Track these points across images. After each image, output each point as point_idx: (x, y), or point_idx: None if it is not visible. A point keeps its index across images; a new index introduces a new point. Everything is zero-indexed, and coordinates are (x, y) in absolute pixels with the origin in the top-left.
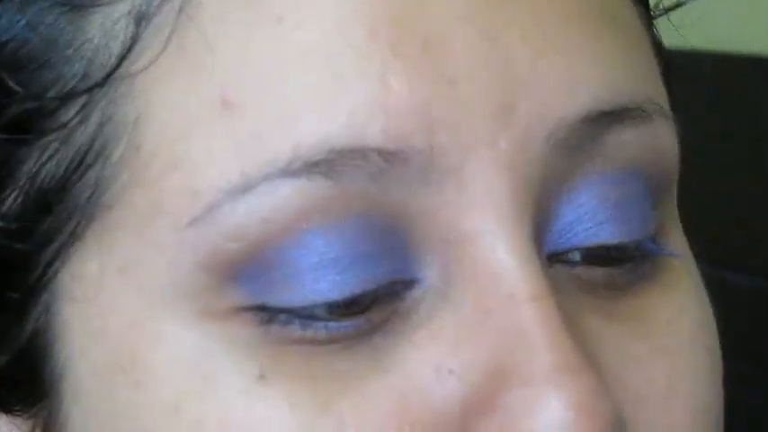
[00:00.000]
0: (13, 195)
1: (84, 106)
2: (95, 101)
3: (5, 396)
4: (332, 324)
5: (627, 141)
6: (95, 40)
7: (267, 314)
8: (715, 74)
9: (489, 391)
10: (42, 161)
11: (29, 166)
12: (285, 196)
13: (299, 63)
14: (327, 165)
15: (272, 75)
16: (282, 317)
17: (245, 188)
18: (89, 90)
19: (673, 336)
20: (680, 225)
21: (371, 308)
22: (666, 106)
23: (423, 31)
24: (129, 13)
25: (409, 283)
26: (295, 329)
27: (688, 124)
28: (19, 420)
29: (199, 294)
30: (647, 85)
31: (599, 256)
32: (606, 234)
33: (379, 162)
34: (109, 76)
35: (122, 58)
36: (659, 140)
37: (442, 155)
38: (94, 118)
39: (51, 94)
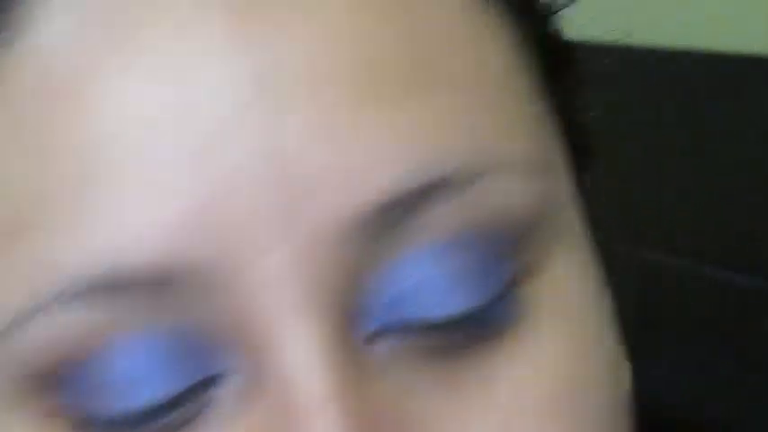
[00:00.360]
0: None
1: None
2: None
3: None
4: (143, 428)
5: (442, 213)
6: None
7: (80, 422)
8: (715, 74)
9: None
10: None
11: None
12: (73, 316)
13: (61, 194)
14: (93, 293)
15: (44, 197)
16: (95, 425)
17: (36, 309)
18: None
19: (516, 401)
20: (576, 246)
21: (182, 405)
22: (513, 151)
23: (179, 144)
24: None
25: (216, 380)
26: None
27: (688, 124)
28: None
29: (22, 397)
30: (472, 142)
31: (435, 325)
32: (432, 311)
33: (148, 287)
34: None
35: None
36: (489, 199)
37: (219, 268)
38: None
39: None
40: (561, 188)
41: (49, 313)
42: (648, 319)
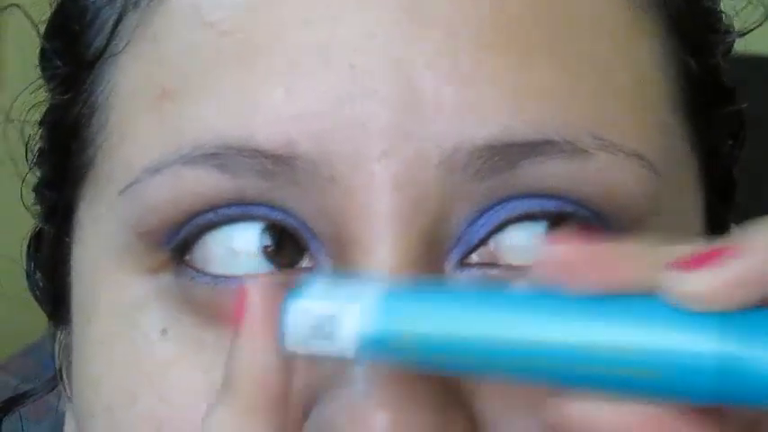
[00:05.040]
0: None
1: (87, 76)
2: (92, 73)
3: (57, 314)
4: (232, 289)
5: (552, 174)
6: (103, 18)
7: (181, 276)
8: None
9: (328, 380)
10: (69, 111)
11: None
12: (186, 183)
13: (214, 64)
14: (222, 159)
15: (194, 72)
16: (194, 278)
17: (157, 169)
18: (97, 60)
19: None
20: None
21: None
22: (631, 142)
23: (327, 45)
24: (119, 3)
25: (310, 269)
26: (202, 292)
27: None
28: (60, 335)
29: (132, 254)
30: (595, 118)
31: (516, 272)
32: (523, 255)
33: (267, 163)
34: (104, 51)
35: (110, 40)
36: (602, 176)
37: (331, 164)
38: (89, 88)
39: (88, 56)
40: (682, 193)
41: (165, 175)
42: None
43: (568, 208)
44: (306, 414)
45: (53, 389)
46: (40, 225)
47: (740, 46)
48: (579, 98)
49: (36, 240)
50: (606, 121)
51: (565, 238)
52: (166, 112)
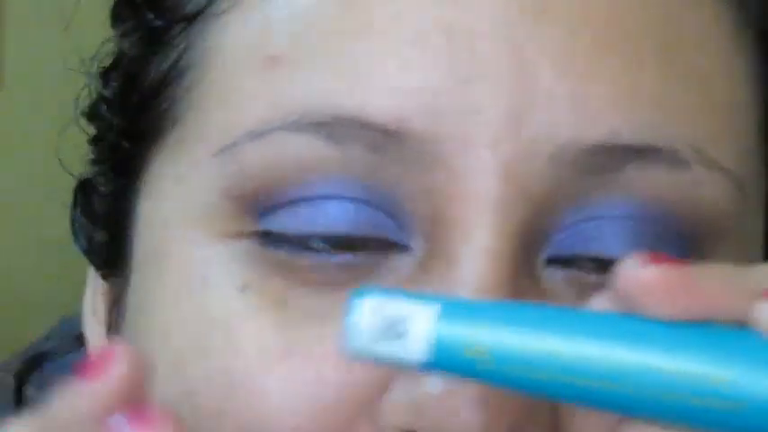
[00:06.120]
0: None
1: (180, 31)
2: (187, 29)
3: (108, 263)
4: (320, 255)
5: (651, 180)
6: None
7: (267, 240)
8: None
9: None
10: (153, 65)
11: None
12: (290, 150)
13: (330, 32)
14: (331, 128)
15: (307, 40)
16: (280, 241)
17: (261, 134)
18: (195, 17)
19: None
20: None
21: (359, 254)
22: (726, 160)
23: (451, 25)
24: None
25: (401, 248)
26: (286, 254)
27: None
28: (107, 287)
29: (218, 216)
30: (696, 132)
31: (599, 265)
32: (609, 250)
33: (377, 136)
34: (203, 9)
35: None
36: (696, 189)
37: (440, 144)
38: (182, 43)
39: (186, 12)
40: (755, 214)
41: (268, 141)
42: None
43: (662, 217)
44: (385, 384)
45: (79, 348)
46: (92, 174)
47: None
48: (683, 110)
49: (83, 190)
50: (706, 136)
51: (651, 256)
52: (275, 78)
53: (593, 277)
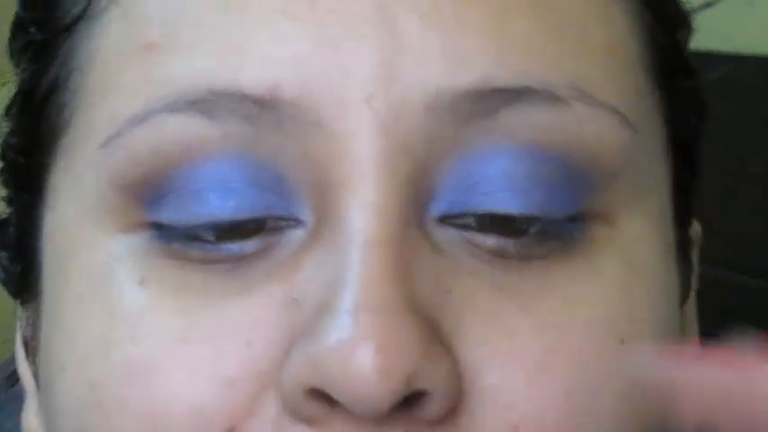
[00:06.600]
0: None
1: (65, 39)
2: (71, 35)
3: (22, 288)
4: (211, 246)
5: (532, 122)
6: None
7: (159, 232)
8: (715, 74)
9: (312, 318)
10: (43, 78)
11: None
12: (170, 130)
13: (199, 14)
14: (207, 104)
15: (179, 24)
16: (171, 235)
17: (143, 118)
18: (76, 22)
19: (565, 317)
20: (656, 219)
21: (250, 238)
22: (606, 96)
23: None
24: None
25: (292, 222)
26: (179, 246)
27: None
28: (28, 314)
29: (110, 210)
30: (573, 71)
31: (495, 224)
32: (502, 204)
33: (252, 108)
34: (82, 15)
35: (89, 3)
36: (579, 127)
37: (315, 109)
38: (65, 48)
39: (66, 20)
40: (652, 157)
41: (148, 126)
42: None
43: (550, 159)
44: (286, 352)
45: (12, 385)
46: (7, 209)
47: (740, 46)
48: (558, 51)
49: (1, 227)
50: (584, 75)
51: (697, 356)
52: (153, 64)
53: (490, 240)
